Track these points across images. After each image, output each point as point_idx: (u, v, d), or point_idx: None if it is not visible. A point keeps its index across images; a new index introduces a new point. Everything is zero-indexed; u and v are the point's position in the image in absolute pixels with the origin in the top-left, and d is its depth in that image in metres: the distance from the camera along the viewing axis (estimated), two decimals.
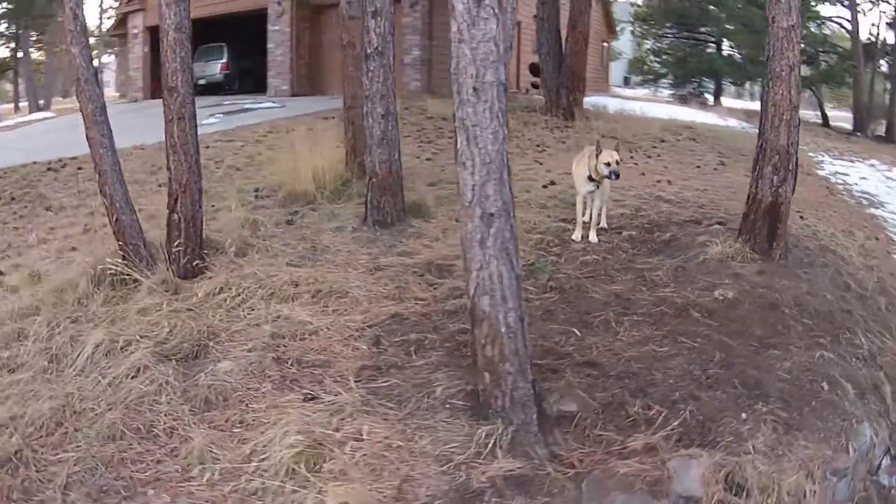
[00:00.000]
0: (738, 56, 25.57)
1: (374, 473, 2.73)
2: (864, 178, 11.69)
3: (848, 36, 24.27)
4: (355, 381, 3.31)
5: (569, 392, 3.03)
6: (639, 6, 27.86)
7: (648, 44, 28.98)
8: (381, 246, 4.83)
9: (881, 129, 23.71)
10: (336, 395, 3.20)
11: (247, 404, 3.25)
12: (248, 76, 19.71)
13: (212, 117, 13.28)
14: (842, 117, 26.58)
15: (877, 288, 4.24)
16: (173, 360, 3.59)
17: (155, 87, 21.28)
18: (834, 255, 4.52)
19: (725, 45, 26.48)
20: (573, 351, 3.40)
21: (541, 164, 7.71)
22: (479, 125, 2.72)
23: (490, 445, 2.78)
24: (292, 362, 3.55)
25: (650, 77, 28.06)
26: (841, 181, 10.80)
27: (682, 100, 24.19)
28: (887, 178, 11.94)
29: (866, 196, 9.44)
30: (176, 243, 4.40)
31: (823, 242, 4.95)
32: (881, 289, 4.27)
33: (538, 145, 8.79)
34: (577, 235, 4.75)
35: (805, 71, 25.00)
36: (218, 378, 3.41)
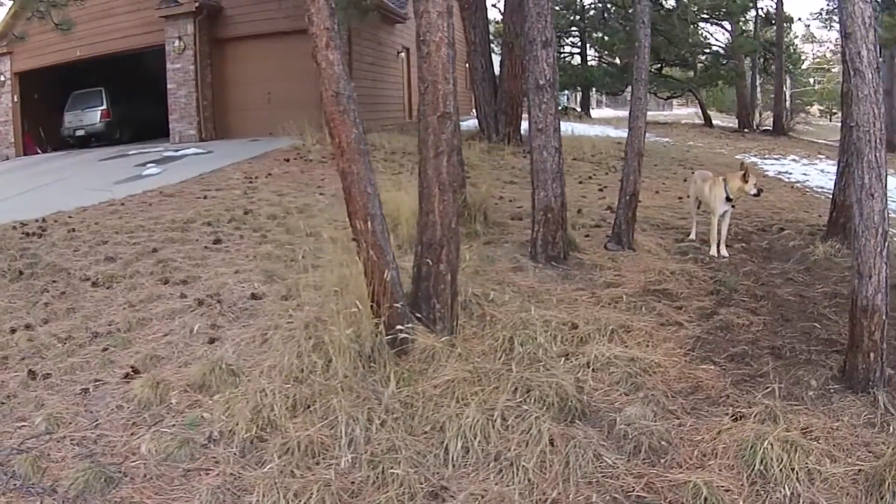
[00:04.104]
0: (607, 65, 26.41)
1: (849, 449, 3.47)
2: (806, 175, 12.31)
3: (723, 36, 26.19)
4: (739, 395, 3.96)
5: None
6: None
7: None
8: (580, 281, 5.30)
9: (761, 124, 25.47)
10: (750, 408, 3.83)
11: (690, 439, 3.57)
12: (127, 124, 16.83)
13: (148, 167, 11.23)
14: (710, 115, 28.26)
15: None
16: (577, 421, 3.69)
17: (28, 142, 16.53)
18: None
19: (591, 55, 27.07)
20: (834, 336, 4.64)
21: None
22: (882, 167, 3.79)
23: (886, 406, 3.81)
24: (670, 394, 4.02)
25: None
26: (792, 179, 11.54)
27: (562, 113, 24.17)
28: (822, 172, 12.52)
29: (825, 191, 9.76)
30: (439, 298, 4.23)
31: None
32: None
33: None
34: (713, 251, 5.96)
35: (681, 73, 27.37)
36: (641, 425, 3.61)
